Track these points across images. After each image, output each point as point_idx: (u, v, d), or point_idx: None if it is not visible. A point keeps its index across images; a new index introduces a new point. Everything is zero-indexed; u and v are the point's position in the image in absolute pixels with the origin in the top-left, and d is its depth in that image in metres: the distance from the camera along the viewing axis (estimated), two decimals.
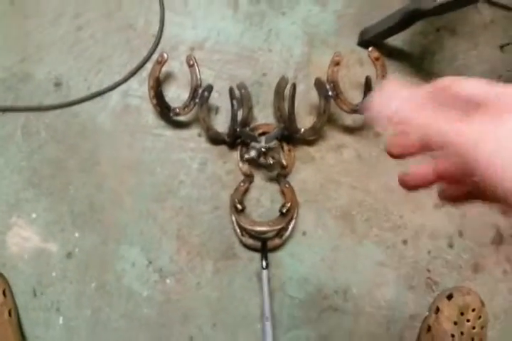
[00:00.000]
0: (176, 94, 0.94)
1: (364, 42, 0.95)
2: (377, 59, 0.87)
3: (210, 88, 0.88)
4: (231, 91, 0.86)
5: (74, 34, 0.97)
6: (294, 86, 0.84)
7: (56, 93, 0.95)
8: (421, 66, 0.95)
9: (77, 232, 0.90)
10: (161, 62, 0.88)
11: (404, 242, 0.88)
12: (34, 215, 0.91)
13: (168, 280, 0.88)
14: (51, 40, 0.97)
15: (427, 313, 0.84)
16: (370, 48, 0.87)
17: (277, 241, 0.87)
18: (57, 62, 0.96)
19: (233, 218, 0.87)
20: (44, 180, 0.92)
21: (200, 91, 0.88)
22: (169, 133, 0.93)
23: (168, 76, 0.95)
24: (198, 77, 0.88)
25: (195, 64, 0.88)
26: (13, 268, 0.89)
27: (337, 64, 0.87)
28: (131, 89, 0.95)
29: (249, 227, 0.83)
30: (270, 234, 0.86)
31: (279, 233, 0.87)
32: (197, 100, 0.88)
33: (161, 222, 0.90)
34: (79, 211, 0.91)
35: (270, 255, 0.86)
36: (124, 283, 0.88)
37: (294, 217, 0.87)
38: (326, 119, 0.86)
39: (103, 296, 0.87)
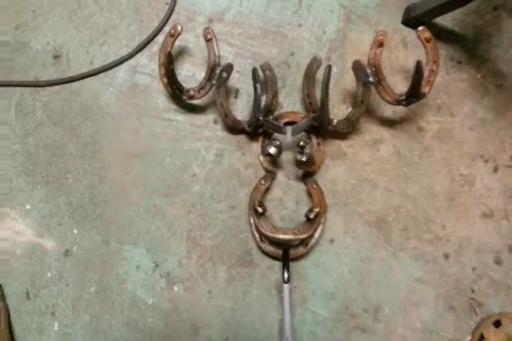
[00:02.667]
0: (191, 73, 0.86)
1: (409, 21, 0.85)
2: (428, 40, 0.74)
3: (229, 68, 0.78)
4: (254, 72, 0.76)
5: None
6: (329, 68, 0.72)
7: (54, 66, 0.88)
8: (474, 51, 0.84)
9: (76, 228, 0.82)
10: (174, 35, 0.79)
11: (446, 257, 0.79)
12: (28, 206, 0.84)
13: (175, 287, 0.80)
14: (50, 4, 0.88)
15: (468, 339, 0.75)
16: (420, 27, 0.74)
17: (301, 249, 0.77)
18: (56, 30, 0.89)
19: (252, 221, 0.78)
20: (40, 167, 0.85)
21: (218, 71, 0.79)
22: (181, 118, 0.85)
23: (182, 51, 0.86)
24: (217, 54, 0.80)
25: (214, 38, 0.79)
26: (4, 266, 0.82)
27: (380, 45, 0.75)
28: (139, 65, 0.87)
29: (270, 234, 0.73)
30: (294, 243, 0.76)
31: (304, 240, 0.77)
32: (214, 81, 0.79)
33: (170, 220, 0.81)
34: (78, 203, 0.83)
35: (292, 264, 0.78)
36: (127, 288, 0.80)
37: (322, 222, 0.77)
38: (364, 110, 0.75)
39: (103, 301, 0.80)
